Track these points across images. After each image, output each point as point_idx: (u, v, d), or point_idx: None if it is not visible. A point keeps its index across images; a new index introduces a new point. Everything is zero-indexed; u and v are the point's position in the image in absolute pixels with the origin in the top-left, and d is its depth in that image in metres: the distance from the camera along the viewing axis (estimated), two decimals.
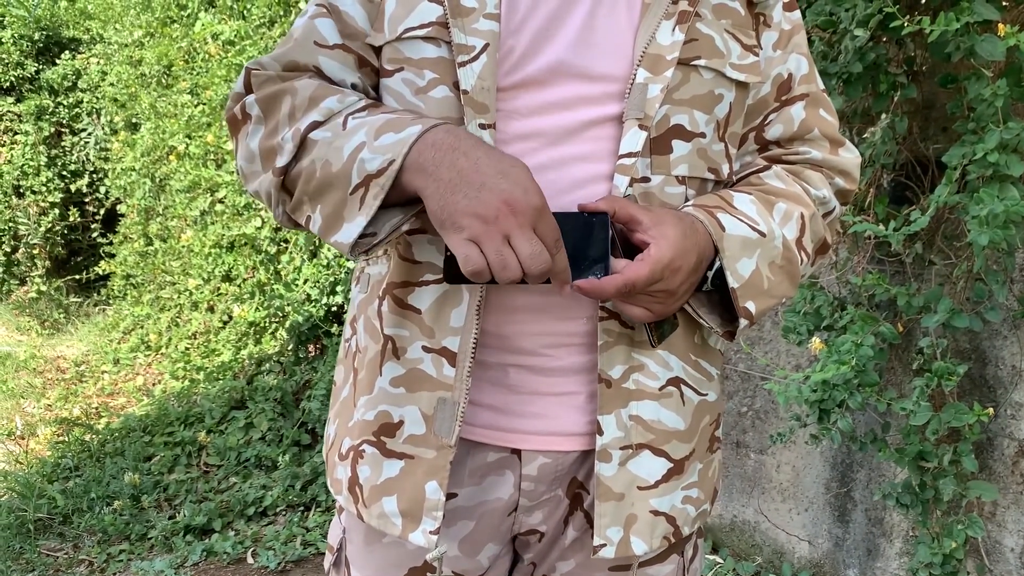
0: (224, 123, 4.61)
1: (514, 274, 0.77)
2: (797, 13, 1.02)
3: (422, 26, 0.89)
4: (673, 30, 0.90)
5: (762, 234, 0.93)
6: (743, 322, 0.92)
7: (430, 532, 0.92)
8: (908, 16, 1.71)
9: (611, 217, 0.84)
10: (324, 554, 2.97)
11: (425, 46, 0.89)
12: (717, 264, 0.91)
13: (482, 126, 0.87)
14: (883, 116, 1.95)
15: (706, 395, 1.01)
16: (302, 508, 3.25)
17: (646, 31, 0.89)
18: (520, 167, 0.79)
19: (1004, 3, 1.80)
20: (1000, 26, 1.65)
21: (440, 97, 0.89)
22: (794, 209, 0.97)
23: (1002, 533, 2.02)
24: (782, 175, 1.00)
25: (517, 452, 0.97)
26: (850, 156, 1.05)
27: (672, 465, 0.97)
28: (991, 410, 1.85)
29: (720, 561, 2.63)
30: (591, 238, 0.84)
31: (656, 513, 0.96)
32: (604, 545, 0.94)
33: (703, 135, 0.93)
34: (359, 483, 0.97)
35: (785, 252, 0.95)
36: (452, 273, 0.83)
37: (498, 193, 0.76)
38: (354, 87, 0.95)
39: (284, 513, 3.21)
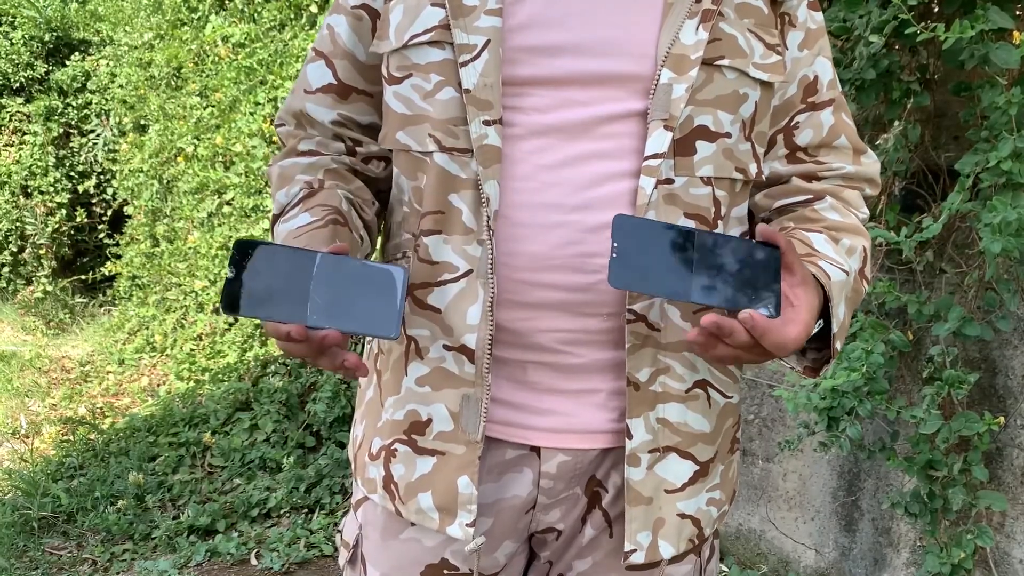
0: (230, 125, 4.64)
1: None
2: (821, 14, 1.02)
3: (426, 31, 0.91)
4: (697, 29, 0.89)
5: (846, 273, 0.94)
6: (833, 363, 0.95)
7: (467, 525, 0.93)
8: (922, 23, 1.71)
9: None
10: (328, 556, 2.96)
11: (430, 50, 0.91)
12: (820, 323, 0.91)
13: (487, 122, 0.88)
14: (896, 123, 1.95)
15: (731, 397, 1.01)
16: (306, 510, 3.24)
17: (670, 30, 0.89)
18: None
19: (1019, 11, 1.80)
20: (1015, 34, 1.65)
21: (446, 99, 0.90)
22: (857, 243, 0.98)
23: (1011, 544, 2.01)
24: (838, 207, 1.01)
25: (536, 449, 0.97)
26: (871, 162, 1.05)
27: (698, 468, 0.97)
28: (1002, 419, 1.84)
29: (725, 569, 2.62)
30: (762, 268, 0.84)
31: (683, 516, 0.96)
32: (635, 551, 0.94)
33: (728, 135, 0.92)
34: (394, 481, 0.98)
35: (855, 285, 0.96)
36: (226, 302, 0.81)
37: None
38: (334, 123, 1.06)
39: (288, 515, 3.20)
